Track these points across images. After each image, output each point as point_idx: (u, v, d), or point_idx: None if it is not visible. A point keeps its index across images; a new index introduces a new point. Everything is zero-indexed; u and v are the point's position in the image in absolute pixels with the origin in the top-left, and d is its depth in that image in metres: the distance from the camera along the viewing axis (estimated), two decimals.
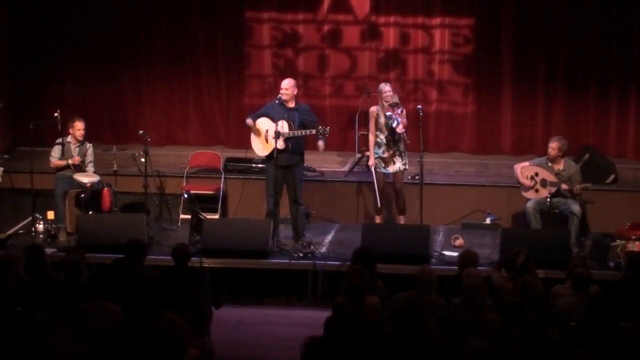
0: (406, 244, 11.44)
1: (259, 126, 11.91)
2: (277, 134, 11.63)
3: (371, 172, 12.45)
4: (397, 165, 12.36)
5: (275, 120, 11.68)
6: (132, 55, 15.51)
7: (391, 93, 12.31)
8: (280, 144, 11.68)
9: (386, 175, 12.46)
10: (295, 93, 12.02)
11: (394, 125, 12.09)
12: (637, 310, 8.19)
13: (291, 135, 11.72)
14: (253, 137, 12.02)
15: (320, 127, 11.88)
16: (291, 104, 11.91)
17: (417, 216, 12.23)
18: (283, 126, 11.71)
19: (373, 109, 12.45)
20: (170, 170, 13.86)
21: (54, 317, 7.58)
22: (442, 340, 7.55)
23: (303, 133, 11.80)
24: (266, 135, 11.85)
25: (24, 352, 7.12)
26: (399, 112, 12.19)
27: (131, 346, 7.20)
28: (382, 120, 12.29)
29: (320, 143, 12.34)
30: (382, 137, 12.32)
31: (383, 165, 12.36)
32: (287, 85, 11.95)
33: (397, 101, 12.29)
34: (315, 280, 11.52)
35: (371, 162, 12.40)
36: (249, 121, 11.95)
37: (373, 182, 12.41)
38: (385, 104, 12.26)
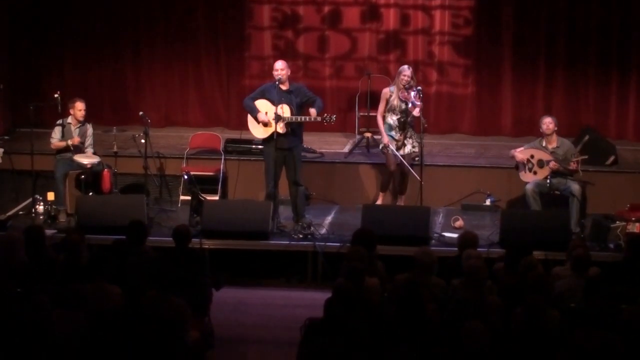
0: (406, 225, 11.43)
1: (258, 108, 11.87)
2: (278, 117, 11.61)
3: (387, 151, 12.25)
4: (408, 147, 12.32)
5: (275, 103, 11.66)
6: (132, 37, 15.45)
7: (409, 78, 12.15)
8: (282, 128, 11.67)
9: (395, 157, 12.37)
10: (289, 74, 11.97)
11: (414, 110, 11.98)
12: (637, 292, 8.20)
13: (293, 120, 11.69)
14: (251, 119, 11.98)
15: (326, 115, 11.84)
16: (286, 86, 11.87)
17: (417, 197, 12.21)
18: (284, 110, 11.68)
19: (386, 90, 12.34)
20: (170, 152, 13.84)
21: (54, 298, 7.60)
22: (441, 321, 7.57)
23: (306, 119, 11.78)
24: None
25: (25, 333, 7.14)
26: (415, 94, 12.07)
27: (131, 328, 7.22)
28: (395, 102, 12.24)
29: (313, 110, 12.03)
30: (394, 119, 12.26)
31: (395, 147, 12.28)
32: (282, 66, 11.88)
33: (413, 85, 12.21)
34: (315, 262, 11.53)
35: (386, 140, 12.24)
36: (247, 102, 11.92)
37: (397, 157, 12.20)
38: (401, 86, 12.17)
